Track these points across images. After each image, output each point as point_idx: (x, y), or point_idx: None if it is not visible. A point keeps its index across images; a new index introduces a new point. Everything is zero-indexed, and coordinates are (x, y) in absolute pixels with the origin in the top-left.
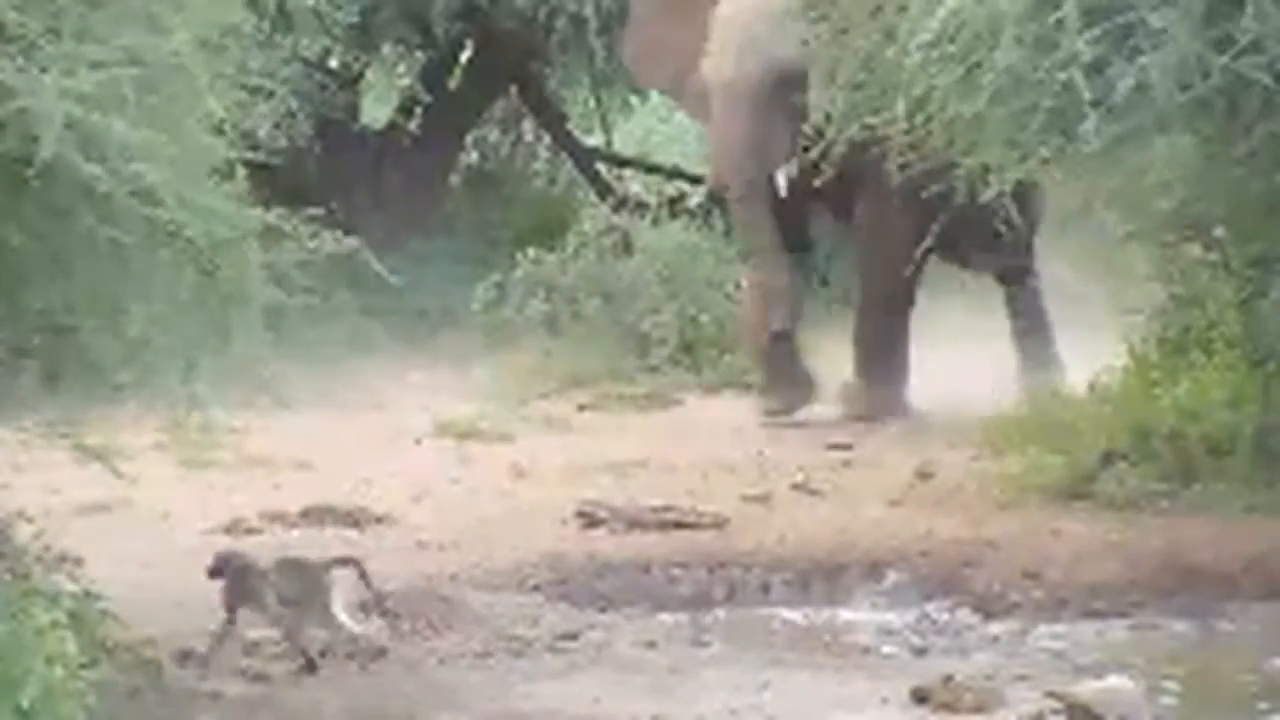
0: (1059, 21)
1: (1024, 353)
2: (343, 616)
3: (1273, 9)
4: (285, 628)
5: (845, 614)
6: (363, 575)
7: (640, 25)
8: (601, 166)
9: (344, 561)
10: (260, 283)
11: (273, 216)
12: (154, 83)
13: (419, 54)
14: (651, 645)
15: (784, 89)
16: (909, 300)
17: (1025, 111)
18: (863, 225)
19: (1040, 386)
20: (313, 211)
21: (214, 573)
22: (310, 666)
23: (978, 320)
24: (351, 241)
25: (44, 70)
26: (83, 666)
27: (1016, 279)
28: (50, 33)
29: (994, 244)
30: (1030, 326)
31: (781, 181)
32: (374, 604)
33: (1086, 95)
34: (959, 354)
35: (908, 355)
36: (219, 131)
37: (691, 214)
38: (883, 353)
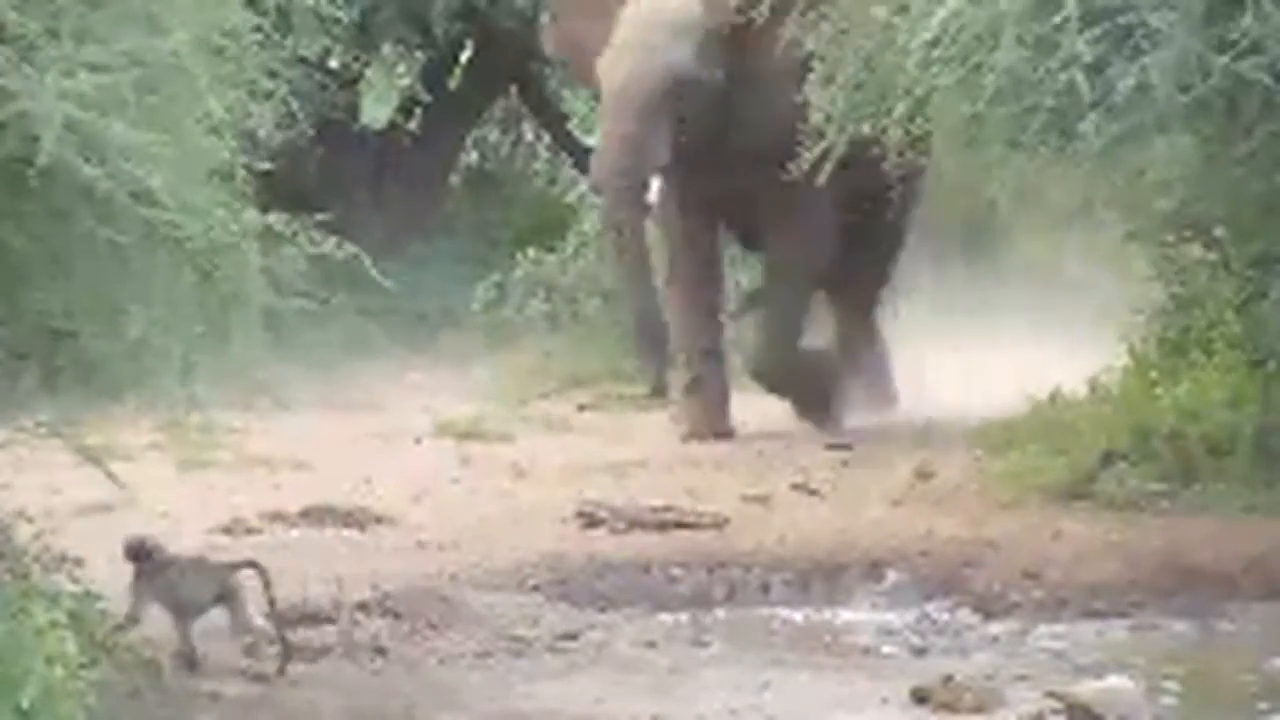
0: (1060, 22)
1: (860, 374)
2: (257, 619)
3: (1273, 9)
4: (180, 625)
5: (845, 614)
6: (265, 582)
7: (555, 20)
8: None
9: (249, 565)
10: (259, 285)
11: (272, 219)
12: (154, 84)
13: (419, 54)
14: (651, 645)
15: (673, 96)
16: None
17: (1026, 112)
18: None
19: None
20: (313, 214)
21: (131, 555)
22: (190, 664)
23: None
24: (350, 247)
25: (43, 72)
26: (83, 666)
27: (868, 289)
28: (49, 34)
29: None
30: (868, 346)
31: (655, 188)
32: (269, 612)
33: (1087, 95)
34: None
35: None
36: (218, 133)
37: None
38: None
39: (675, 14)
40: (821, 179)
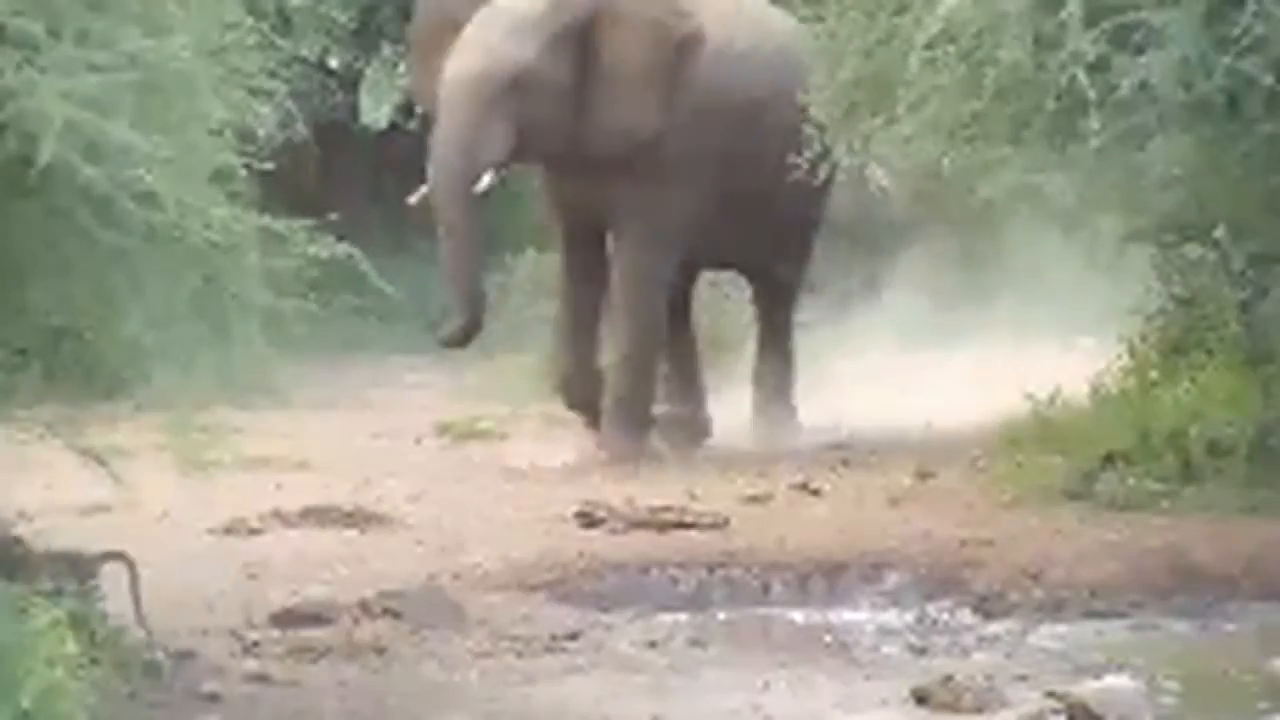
0: (1062, 20)
1: (760, 399)
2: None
3: (1274, 7)
4: None
5: (845, 614)
6: (133, 575)
7: (418, 69)
8: None
9: (115, 556)
10: (259, 286)
11: (271, 221)
12: (154, 85)
13: None
14: (651, 645)
15: (511, 95)
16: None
17: (1028, 110)
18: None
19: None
20: (312, 215)
21: None
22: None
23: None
24: (350, 249)
25: (44, 72)
26: (82, 666)
27: (778, 303)
28: (51, 35)
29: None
30: (773, 368)
31: (484, 184)
32: (135, 609)
33: (1090, 94)
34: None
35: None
36: (219, 134)
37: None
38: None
39: (518, 14)
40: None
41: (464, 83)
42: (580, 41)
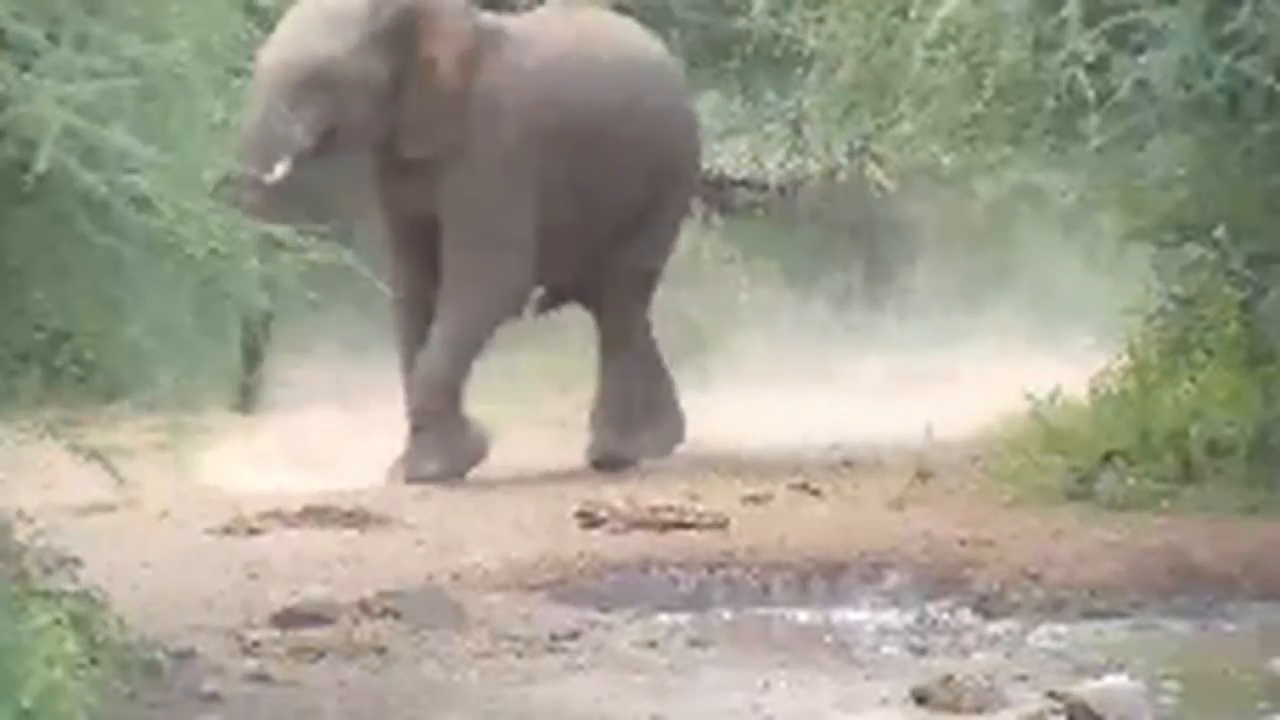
0: (1061, 21)
1: (599, 420)
2: None
3: (1275, 7)
4: None
5: (845, 614)
6: None
7: None
8: None
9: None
10: (258, 290)
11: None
12: (154, 91)
13: None
14: (651, 645)
15: (317, 90)
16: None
17: (1028, 110)
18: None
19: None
20: (312, 215)
21: None
22: None
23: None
24: (348, 253)
25: (42, 77)
26: (82, 666)
27: (620, 324)
28: (50, 39)
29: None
30: (616, 393)
31: (278, 173)
32: None
33: (1089, 94)
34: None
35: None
36: (219, 137)
37: (691, 214)
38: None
39: (332, 9)
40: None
41: (267, 76)
42: (395, 43)
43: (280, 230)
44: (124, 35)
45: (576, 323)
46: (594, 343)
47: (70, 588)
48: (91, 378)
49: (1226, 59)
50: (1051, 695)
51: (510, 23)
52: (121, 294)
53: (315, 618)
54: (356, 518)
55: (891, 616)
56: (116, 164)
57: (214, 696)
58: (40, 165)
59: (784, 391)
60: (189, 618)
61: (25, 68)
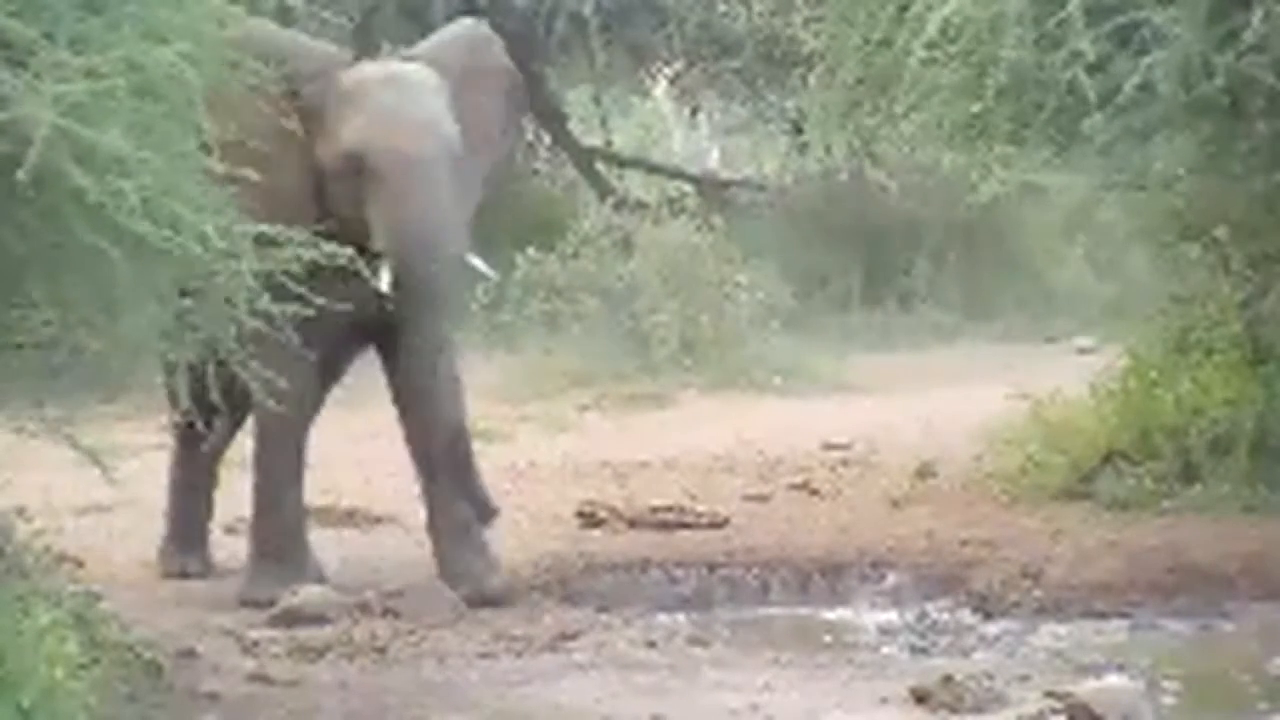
0: (1063, 20)
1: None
2: None
3: (1276, 7)
4: None
5: (845, 614)
6: None
7: None
8: (601, 166)
9: None
10: (255, 291)
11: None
12: (149, 91)
13: None
14: (651, 645)
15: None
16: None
17: (1029, 110)
18: None
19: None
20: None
21: None
22: None
23: None
24: (346, 252)
25: (37, 77)
26: (82, 666)
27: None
28: (46, 39)
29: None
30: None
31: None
32: None
33: (1091, 94)
34: None
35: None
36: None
37: (691, 214)
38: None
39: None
40: None
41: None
42: None
43: (275, 230)
44: (120, 35)
45: (577, 323)
46: (592, 343)
47: (70, 587)
48: (91, 380)
49: (1228, 59)
50: (1051, 695)
51: None
52: (117, 293)
53: (315, 618)
54: (356, 518)
55: (891, 616)
56: (110, 166)
57: (214, 696)
58: (29, 164)
59: (784, 392)
60: (189, 618)
61: (20, 67)
